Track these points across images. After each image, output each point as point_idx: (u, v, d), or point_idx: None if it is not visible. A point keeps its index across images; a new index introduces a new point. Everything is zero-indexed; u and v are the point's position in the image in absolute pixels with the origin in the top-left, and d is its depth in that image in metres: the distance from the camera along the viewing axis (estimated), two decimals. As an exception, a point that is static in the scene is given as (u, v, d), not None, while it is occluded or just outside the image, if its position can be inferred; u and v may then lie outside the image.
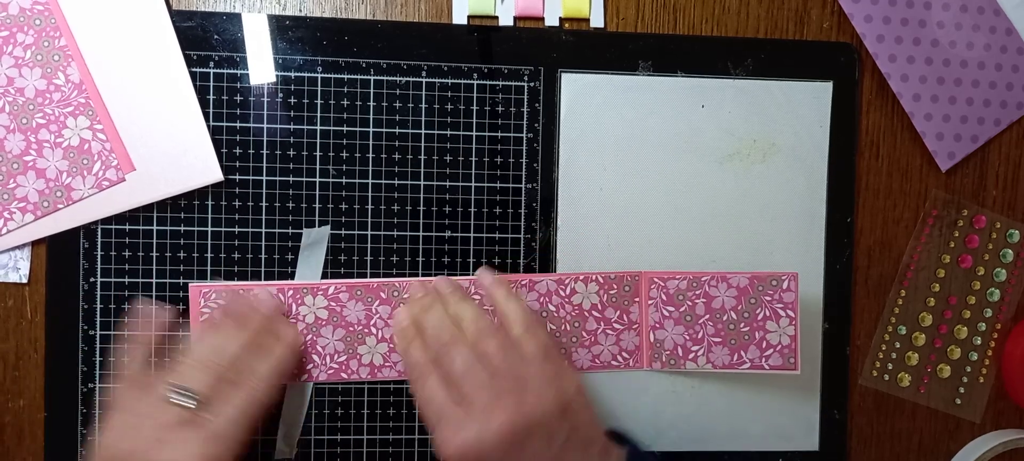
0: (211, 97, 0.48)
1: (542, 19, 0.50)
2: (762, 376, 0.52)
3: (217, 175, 0.48)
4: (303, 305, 0.48)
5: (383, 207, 0.49)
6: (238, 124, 0.48)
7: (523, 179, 0.50)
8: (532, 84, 0.50)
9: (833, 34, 0.52)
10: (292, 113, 0.48)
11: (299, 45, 0.48)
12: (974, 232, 0.54)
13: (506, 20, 0.50)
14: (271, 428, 0.49)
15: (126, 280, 0.48)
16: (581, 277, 0.50)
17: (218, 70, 0.48)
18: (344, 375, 0.49)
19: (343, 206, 0.49)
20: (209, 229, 0.48)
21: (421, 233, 0.50)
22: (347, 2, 0.49)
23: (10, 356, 0.48)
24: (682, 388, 0.52)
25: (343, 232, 0.49)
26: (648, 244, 0.51)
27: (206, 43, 0.48)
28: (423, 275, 0.50)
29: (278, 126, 0.48)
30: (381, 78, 0.49)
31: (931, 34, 0.52)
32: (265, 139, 0.48)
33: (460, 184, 0.50)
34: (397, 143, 0.49)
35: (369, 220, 0.49)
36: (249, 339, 0.45)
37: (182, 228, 0.48)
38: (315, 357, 0.49)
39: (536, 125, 0.50)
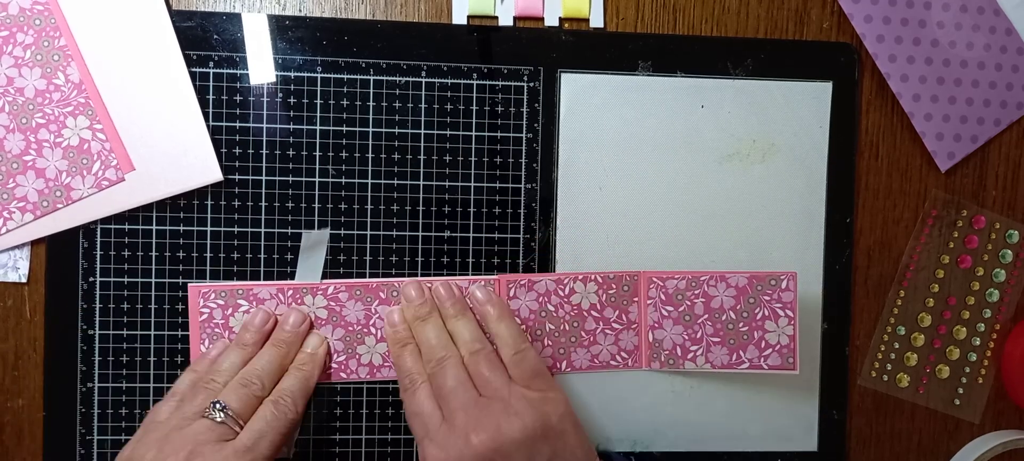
0: (211, 97, 0.48)
1: (542, 19, 0.50)
2: (761, 376, 0.52)
3: (217, 175, 0.48)
4: (302, 305, 0.48)
5: (383, 207, 0.49)
6: (238, 124, 0.48)
7: (522, 179, 0.50)
8: (532, 84, 0.50)
9: (833, 34, 0.52)
10: (292, 113, 0.48)
11: (299, 45, 0.48)
12: (973, 232, 0.54)
13: (506, 20, 0.50)
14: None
15: (125, 280, 0.48)
16: (580, 277, 0.50)
17: (218, 70, 0.48)
18: (343, 375, 0.49)
19: (343, 206, 0.49)
20: (209, 229, 0.48)
21: (421, 233, 0.50)
22: (347, 2, 0.49)
23: (9, 356, 0.48)
24: (681, 388, 0.52)
25: (343, 232, 0.49)
26: (647, 244, 0.51)
27: (206, 43, 0.48)
28: (422, 275, 0.50)
29: (278, 126, 0.48)
30: (381, 78, 0.49)
31: (931, 34, 0.52)
32: (265, 139, 0.48)
33: (460, 184, 0.50)
34: (397, 143, 0.49)
35: (369, 220, 0.49)
36: (280, 354, 0.46)
37: (182, 228, 0.48)
38: (314, 357, 0.49)
39: (536, 125, 0.50)
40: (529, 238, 0.50)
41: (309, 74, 0.48)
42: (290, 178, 0.49)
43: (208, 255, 0.48)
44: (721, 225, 0.51)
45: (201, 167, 0.48)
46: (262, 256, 0.49)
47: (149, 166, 0.47)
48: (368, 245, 0.49)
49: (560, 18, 0.50)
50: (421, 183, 0.50)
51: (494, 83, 0.50)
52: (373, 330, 0.49)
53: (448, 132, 0.50)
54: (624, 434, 0.52)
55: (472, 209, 0.50)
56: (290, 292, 0.48)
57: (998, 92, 0.52)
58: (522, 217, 0.50)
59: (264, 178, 0.49)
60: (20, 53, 0.46)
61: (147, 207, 0.48)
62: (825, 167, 0.52)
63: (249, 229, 0.49)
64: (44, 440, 0.48)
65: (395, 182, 0.49)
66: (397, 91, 0.49)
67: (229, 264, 0.49)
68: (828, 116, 0.52)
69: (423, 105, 0.49)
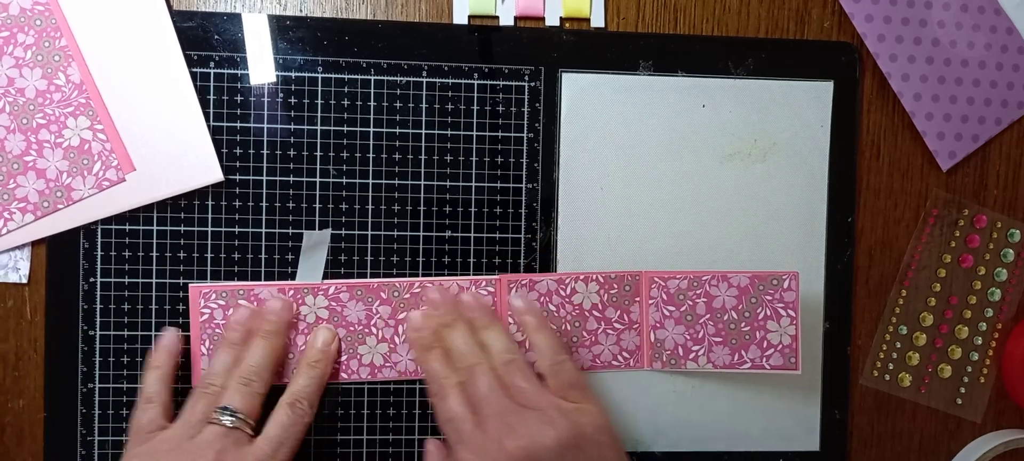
0: (211, 97, 0.48)
1: (543, 19, 0.50)
2: (763, 376, 0.52)
3: (217, 175, 0.48)
4: (304, 305, 0.48)
5: (383, 207, 0.49)
6: (238, 124, 0.48)
7: (523, 179, 0.50)
8: (532, 84, 0.50)
9: (834, 34, 0.52)
10: (292, 113, 0.48)
11: (299, 45, 0.48)
12: (975, 232, 0.54)
13: (506, 20, 0.50)
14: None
15: (126, 280, 0.48)
16: (581, 277, 0.50)
17: (218, 70, 0.48)
18: (344, 375, 0.49)
19: (343, 206, 0.49)
20: (209, 229, 0.48)
21: (421, 233, 0.50)
22: (347, 2, 0.49)
23: (10, 356, 0.48)
24: (683, 388, 0.52)
25: (343, 232, 0.49)
26: (648, 243, 0.51)
27: (206, 43, 0.48)
28: (423, 275, 0.50)
29: (278, 126, 0.48)
30: (381, 78, 0.49)
31: (932, 33, 0.52)
32: (265, 139, 0.48)
33: (460, 184, 0.50)
34: (397, 143, 0.49)
35: (369, 220, 0.49)
36: (272, 345, 0.46)
37: (182, 228, 0.48)
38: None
39: (536, 125, 0.50)
40: (530, 238, 0.50)
41: (310, 74, 0.48)
42: (291, 178, 0.49)
43: (209, 255, 0.48)
44: (722, 225, 0.51)
45: (202, 167, 0.47)
46: (263, 256, 0.49)
47: (150, 166, 0.47)
48: (369, 245, 0.49)
49: (561, 18, 0.50)
50: (422, 183, 0.49)
51: (495, 83, 0.50)
52: (374, 330, 0.49)
53: (449, 132, 0.49)
54: (626, 434, 0.52)
55: (473, 209, 0.50)
56: (291, 292, 0.48)
57: (999, 91, 0.52)
58: (523, 217, 0.50)
59: (265, 178, 0.48)
60: (21, 53, 0.46)
61: (148, 207, 0.48)
62: (826, 166, 0.52)
63: (250, 229, 0.49)
64: (45, 441, 0.48)
65: (396, 182, 0.49)
66: (398, 91, 0.49)
67: (230, 264, 0.49)
68: (829, 115, 0.52)
69: (424, 105, 0.49)
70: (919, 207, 0.53)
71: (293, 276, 0.49)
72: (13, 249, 0.47)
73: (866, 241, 0.53)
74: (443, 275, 0.50)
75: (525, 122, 0.50)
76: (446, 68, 0.49)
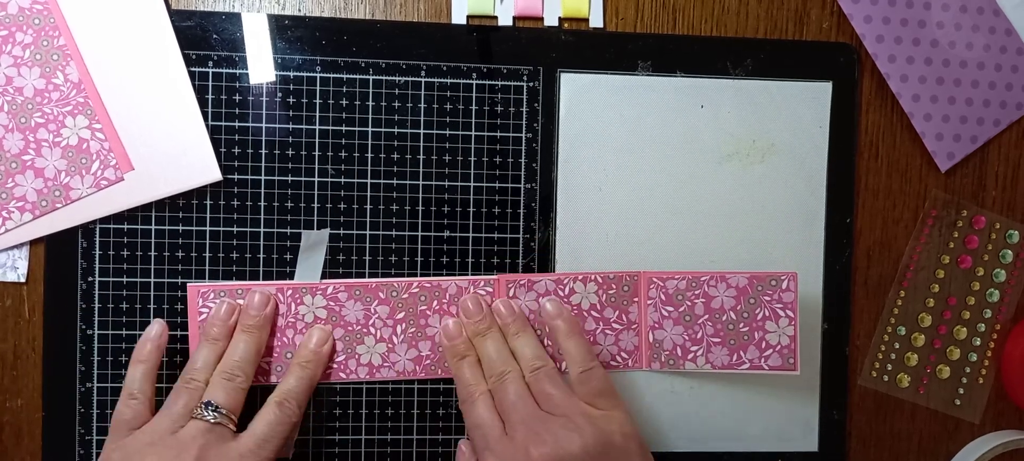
0: (210, 97, 0.48)
1: (541, 19, 0.50)
2: (761, 376, 0.52)
3: (216, 175, 0.48)
4: (302, 305, 0.48)
5: (382, 207, 0.49)
6: (237, 124, 0.48)
7: (522, 179, 0.50)
8: (531, 84, 0.50)
9: (832, 34, 0.52)
10: (291, 113, 0.48)
11: (298, 45, 0.48)
12: (973, 233, 0.54)
13: (505, 20, 0.50)
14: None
15: (124, 280, 0.48)
16: (580, 277, 0.50)
17: (217, 70, 0.48)
18: (343, 375, 0.49)
19: (342, 206, 0.49)
20: (208, 229, 0.48)
21: (420, 233, 0.50)
22: (346, 2, 0.49)
23: (8, 356, 0.48)
24: (681, 388, 0.52)
25: (342, 232, 0.49)
26: (647, 244, 0.51)
27: (205, 43, 0.48)
28: (422, 275, 0.49)
29: (277, 126, 0.48)
30: (380, 78, 0.49)
31: (930, 34, 0.52)
32: (264, 139, 0.48)
33: (459, 184, 0.50)
34: (396, 143, 0.49)
35: (368, 220, 0.49)
36: (254, 340, 0.46)
37: (181, 228, 0.48)
38: (314, 357, 0.49)
39: (535, 125, 0.50)
40: (529, 238, 0.50)
41: (308, 74, 0.48)
42: (289, 178, 0.49)
43: (207, 255, 0.48)
44: (721, 225, 0.51)
45: (200, 167, 0.47)
46: (261, 256, 0.49)
47: (148, 166, 0.47)
48: (367, 245, 0.49)
49: (560, 18, 0.50)
50: (421, 183, 0.49)
51: (494, 83, 0.50)
52: (372, 330, 0.49)
53: (447, 132, 0.49)
54: (624, 434, 0.52)
55: (472, 209, 0.50)
56: (289, 292, 0.48)
57: (998, 92, 0.52)
58: (522, 217, 0.50)
59: (263, 178, 0.48)
60: (19, 52, 0.46)
61: (146, 207, 0.48)
62: (825, 167, 0.52)
63: (248, 229, 0.49)
64: (43, 440, 0.48)
65: (395, 182, 0.49)
66: (396, 91, 0.49)
67: (228, 264, 0.49)
68: (828, 116, 0.52)
69: (422, 105, 0.49)
70: (918, 208, 0.53)
71: (291, 275, 0.49)
72: (11, 248, 0.47)
73: (865, 242, 0.53)
74: (441, 275, 0.50)
75: (524, 122, 0.50)
76: (445, 68, 0.49)
